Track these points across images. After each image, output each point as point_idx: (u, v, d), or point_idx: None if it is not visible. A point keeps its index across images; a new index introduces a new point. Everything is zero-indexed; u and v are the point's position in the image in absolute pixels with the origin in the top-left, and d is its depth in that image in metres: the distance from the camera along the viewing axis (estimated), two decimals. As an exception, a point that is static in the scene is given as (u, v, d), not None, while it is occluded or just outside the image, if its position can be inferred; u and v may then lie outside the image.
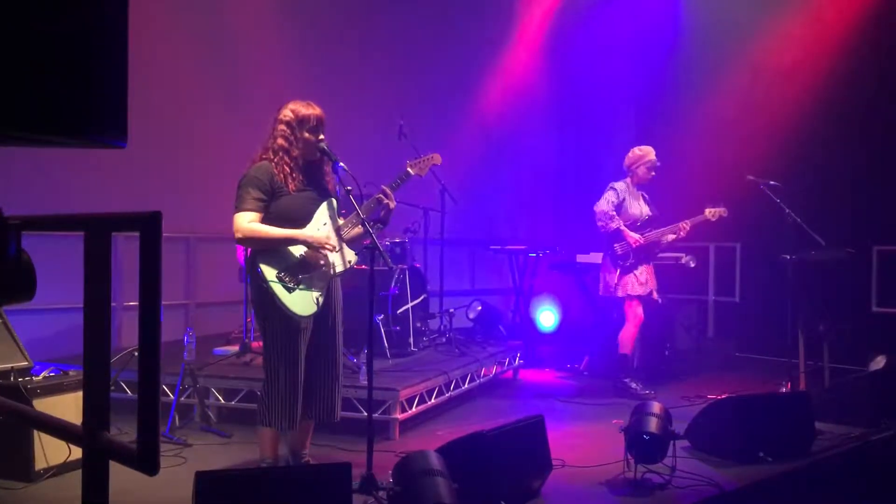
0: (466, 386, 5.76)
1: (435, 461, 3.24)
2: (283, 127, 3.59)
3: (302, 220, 3.59)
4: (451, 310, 6.70)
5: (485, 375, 6.13)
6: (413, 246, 6.67)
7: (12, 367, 4.10)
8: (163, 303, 1.28)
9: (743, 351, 8.08)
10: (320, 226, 3.65)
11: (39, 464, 3.79)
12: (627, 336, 6.05)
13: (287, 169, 3.56)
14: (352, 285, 5.33)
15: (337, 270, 3.68)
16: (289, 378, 3.54)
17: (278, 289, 3.48)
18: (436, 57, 8.74)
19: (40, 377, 4.04)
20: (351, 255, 3.76)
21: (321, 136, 3.62)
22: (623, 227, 5.92)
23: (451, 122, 8.63)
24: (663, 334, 7.25)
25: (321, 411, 3.72)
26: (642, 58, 9.25)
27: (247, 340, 5.59)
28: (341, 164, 3.62)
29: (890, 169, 7.27)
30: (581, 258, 7.31)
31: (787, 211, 5.65)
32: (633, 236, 5.91)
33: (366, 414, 3.75)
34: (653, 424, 3.90)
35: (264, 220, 3.53)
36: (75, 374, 4.11)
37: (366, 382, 3.68)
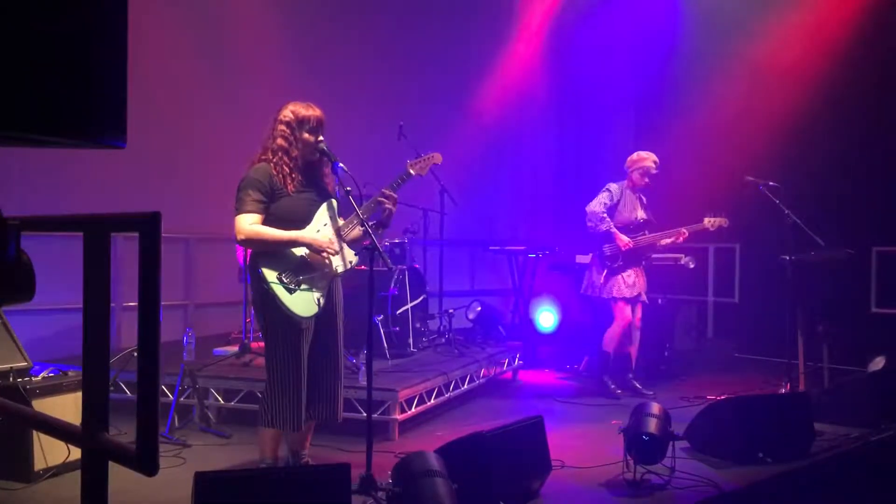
0: (466, 387, 5.76)
1: (434, 462, 3.24)
2: (282, 127, 3.59)
3: (302, 221, 3.59)
4: (451, 310, 6.71)
5: (484, 376, 6.13)
6: (412, 246, 6.67)
7: (11, 367, 4.09)
8: (162, 303, 1.28)
9: (742, 352, 8.08)
10: (320, 227, 3.65)
11: (39, 464, 3.79)
12: (611, 335, 6.05)
13: (286, 169, 3.56)
14: (351, 286, 5.33)
15: (338, 271, 3.68)
16: (292, 379, 3.53)
17: (279, 290, 3.48)
18: (436, 57, 8.74)
19: (39, 378, 4.04)
20: (351, 256, 3.76)
21: (320, 137, 3.62)
22: (614, 230, 5.90)
23: (450, 122, 8.63)
24: (663, 335, 7.26)
25: (323, 412, 3.72)
26: (642, 58, 9.24)
27: (246, 341, 5.59)
28: (341, 164, 3.62)
29: (890, 169, 7.27)
30: (580, 259, 7.30)
31: (787, 212, 5.65)
32: (624, 239, 5.89)
33: (365, 414, 3.75)
34: (652, 425, 3.90)
35: (264, 222, 3.53)
36: (74, 374, 4.10)
37: (365, 383, 3.68)
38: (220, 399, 4.97)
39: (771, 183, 5.74)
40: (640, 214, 6.06)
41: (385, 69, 8.31)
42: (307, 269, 3.57)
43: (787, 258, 5.69)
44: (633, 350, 6.09)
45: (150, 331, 1.24)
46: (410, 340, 6.09)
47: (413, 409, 4.95)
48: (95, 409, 1.36)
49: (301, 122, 3.59)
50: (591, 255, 6.21)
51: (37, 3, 1.12)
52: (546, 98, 10.01)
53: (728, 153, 7.89)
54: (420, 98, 8.43)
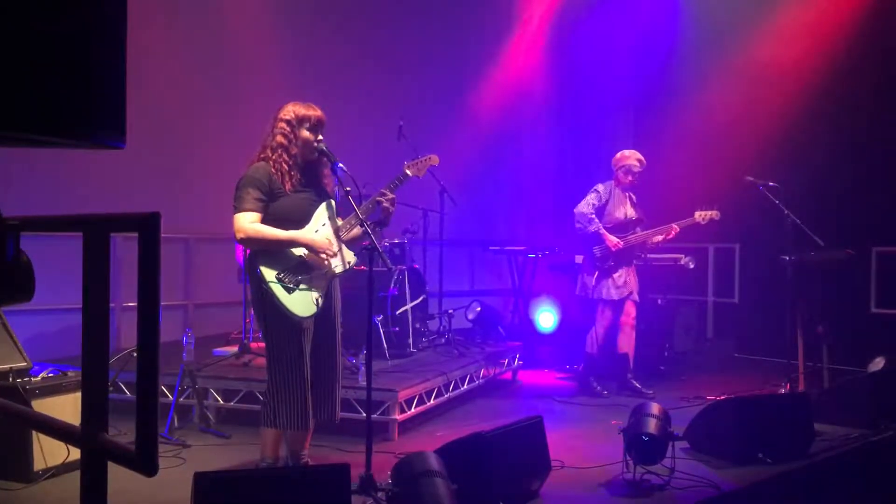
0: (465, 387, 5.76)
1: (434, 462, 3.24)
2: (282, 125, 3.60)
3: (300, 221, 3.59)
4: (451, 311, 6.71)
5: (484, 376, 6.13)
6: (412, 247, 6.68)
7: (11, 367, 4.09)
8: (162, 303, 1.28)
9: (742, 352, 8.08)
10: (319, 227, 3.65)
11: (38, 464, 3.79)
12: (593, 337, 6.07)
13: (285, 167, 3.56)
14: (351, 286, 5.34)
15: (336, 271, 3.68)
16: (297, 378, 3.53)
17: (278, 289, 3.48)
18: (435, 57, 8.74)
19: (39, 378, 4.04)
20: (350, 256, 3.76)
21: (319, 136, 3.63)
22: (602, 230, 5.90)
23: (450, 122, 8.64)
24: (663, 335, 7.26)
25: (322, 412, 3.71)
26: (641, 58, 9.25)
27: (246, 341, 5.59)
28: (340, 164, 3.62)
29: (890, 170, 7.27)
30: (579, 259, 7.29)
31: (787, 212, 5.66)
32: (613, 239, 5.88)
33: (365, 415, 3.75)
34: (652, 425, 3.90)
35: (262, 221, 3.53)
36: (74, 374, 4.10)
37: (365, 383, 3.68)
38: (219, 399, 4.97)
39: (771, 183, 5.74)
40: (630, 213, 6.06)
41: (385, 70, 8.31)
42: (305, 270, 3.57)
43: (787, 258, 5.69)
44: (630, 350, 6.08)
45: (150, 331, 1.24)
46: (410, 341, 6.09)
47: (413, 410, 4.94)
48: (95, 409, 1.36)
49: (301, 120, 3.60)
50: (583, 257, 6.21)
51: (37, 3, 1.12)
52: (546, 98, 10.00)
53: (728, 153, 7.89)
54: (420, 98, 8.43)
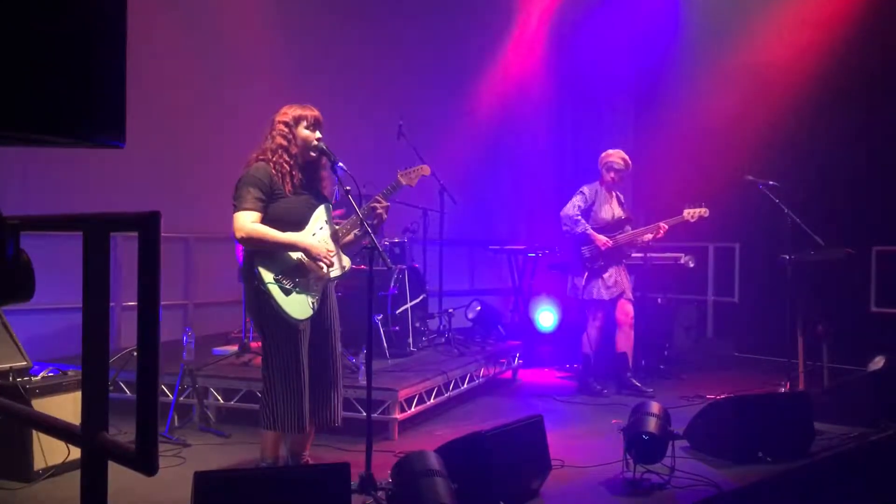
0: (465, 386, 5.76)
1: (434, 461, 3.24)
2: (280, 126, 3.60)
3: (297, 224, 3.58)
4: (451, 310, 6.70)
5: (484, 375, 6.13)
6: (412, 246, 6.68)
7: (11, 367, 4.09)
8: (162, 303, 1.28)
9: (742, 351, 8.08)
10: (316, 230, 3.64)
11: (38, 464, 3.79)
12: (587, 337, 6.07)
13: (286, 167, 3.56)
14: (351, 285, 5.35)
15: (332, 275, 3.68)
16: (294, 379, 3.52)
17: (275, 290, 3.48)
18: (435, 56, 8.74)
19: (39, 377, 4.04)
20: (346, 261, 3.76)
21: (318, 134, 3.63)
22: (590, 231, 5.90)
23: (450, 122, 8.64)
24: (663, 334, 7.26)
25: (321, 416, 3.70)
26: (641, 57, 9.25)
27: (245, 340, 5.59)
28: (340, 164, 3.62)
29: (889, 169, 7.27)
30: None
31: (786, 211, 5.66)
32: (601, 239, 5.88)
33: (365, 414, 3.75)
34: (652, 424, 3.90)
35: (261, 222, 3.52)
36: (74, 374, 4.11)
37: (365, 382, 3.68)
38: (219, 398, 4.97)
39: (770, 182, 5.74)
40: (618, 212, 6.06)
41: (385, 69, 8.31)
42: (301, 273, 3.56)
43: (787, 258, 5.69)
44: (629, 349, 6.08)
45: (150, 330, 1.24)
46: (410, 340, 6.09)
47: (413, 409, 4.95)
48: (95, 408, 1.36)
49: (298, 120, 3.60)
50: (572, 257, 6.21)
51: (37, 3, 1.12)
52: (546, 97, 10.00)
53: (728, 152, 7.90)
54: (420, 97, 8.43)
